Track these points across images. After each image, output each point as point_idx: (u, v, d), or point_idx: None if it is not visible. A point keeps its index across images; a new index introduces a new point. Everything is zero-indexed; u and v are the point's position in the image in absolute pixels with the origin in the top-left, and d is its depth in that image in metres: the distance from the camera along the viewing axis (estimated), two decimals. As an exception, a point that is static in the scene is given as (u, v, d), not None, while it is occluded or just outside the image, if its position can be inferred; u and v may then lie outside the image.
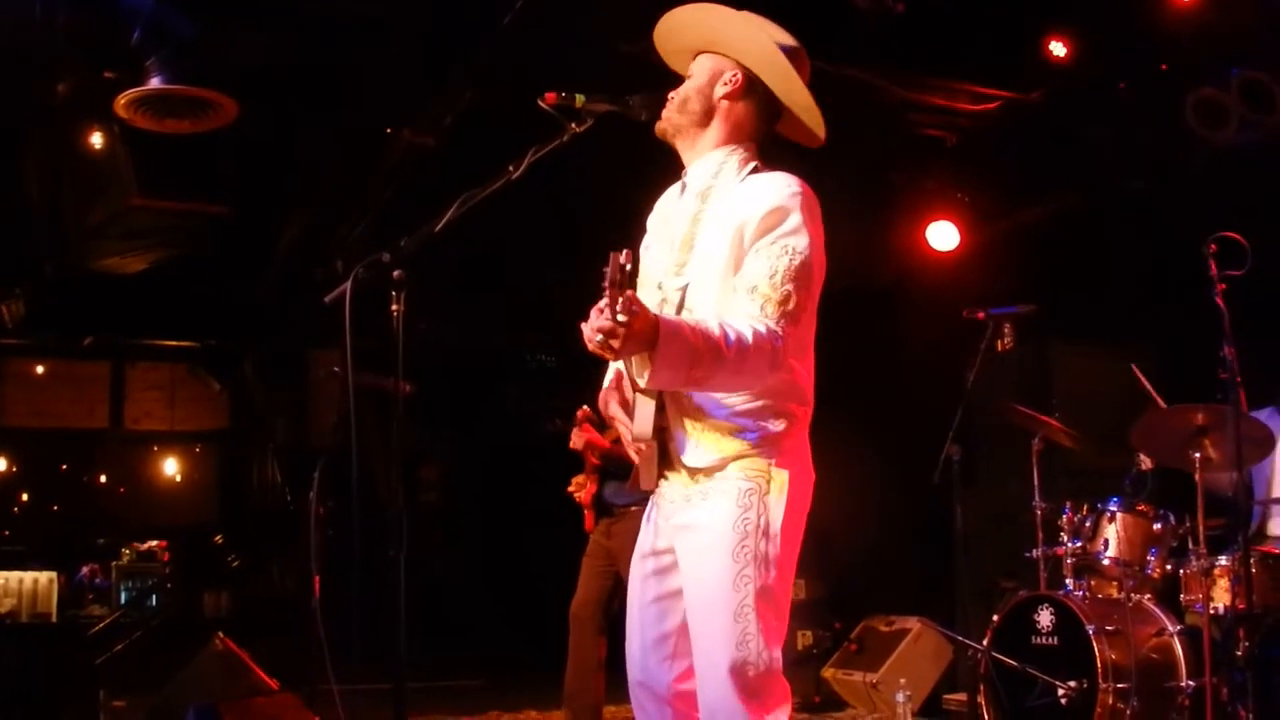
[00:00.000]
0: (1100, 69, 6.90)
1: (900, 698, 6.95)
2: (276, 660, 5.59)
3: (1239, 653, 5.15)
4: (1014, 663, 5.73)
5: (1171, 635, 5.53)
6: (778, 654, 2.95)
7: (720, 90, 3.16)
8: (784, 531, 2.97)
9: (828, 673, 7.98)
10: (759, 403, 2.97)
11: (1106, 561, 5.76)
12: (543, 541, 9.40)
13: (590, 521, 6.00)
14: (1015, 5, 6.57)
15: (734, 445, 2.97)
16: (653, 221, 3.34)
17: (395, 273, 3.03)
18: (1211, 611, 5.26)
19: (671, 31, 3.27)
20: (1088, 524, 5.87)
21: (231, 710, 4.65)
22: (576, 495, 6.04)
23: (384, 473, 3.02)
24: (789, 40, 3.16)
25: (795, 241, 2.95)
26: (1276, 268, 5.22)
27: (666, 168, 3.29)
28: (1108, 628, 5.45)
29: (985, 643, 5.91)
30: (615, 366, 3.20)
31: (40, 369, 13.14)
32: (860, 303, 8.29)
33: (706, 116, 3.16)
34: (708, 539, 2.97)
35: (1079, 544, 5.86)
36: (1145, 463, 5.93)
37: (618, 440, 3.39)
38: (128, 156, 7.65)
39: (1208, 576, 5.32)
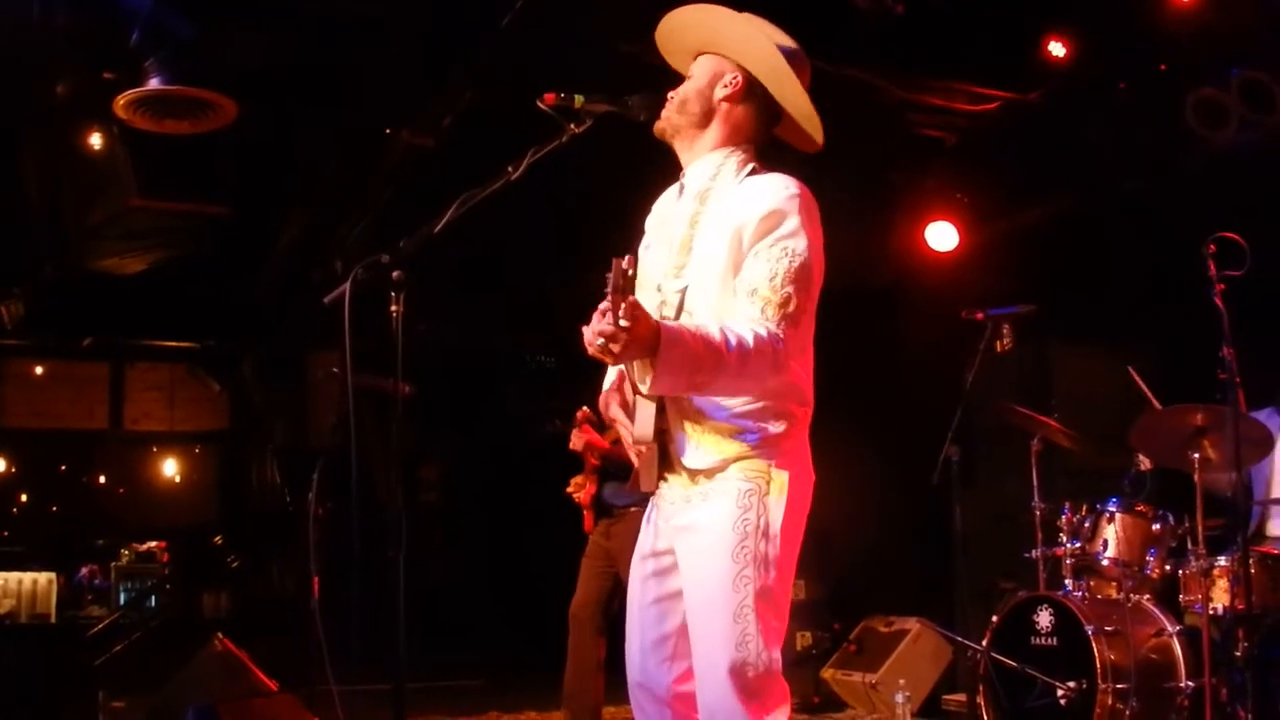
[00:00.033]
0: (1100, 69, 6.90)
1: (899, 698, 6.95)
2: (276, 661, 5.59)
3: (1238, 653, 5.15)
4: (1013, 663, 5.73)
5: (1170, 636, 5.53)
6: (777, 655, 2.95)
7: (720, 92, 3.16)
8: (784, 532, 2.97)
9: (827, 673, 7.98)
10: (759, 404, 2.98)
11: (1106, 562, 5.76)
12: (542, 542, 9.40)
13: (589, 522, 6.00)
14: (1015, 6, 6.58)
15: (734, 447, 2.98)
16: (651, 223, 3.34)
17: (394, 274, 3.03)
18: (1210, 612, 5.26)
19: (673, 31, 3.27)
20: (1087, 524, 5.87)
21: (231, 711, 4.65)
22: (576, 496, 6.04)
23: (383, 473, 3.02)
24: (790, 43, 3.16)
25: (794, 243, 2.96)
26: (1275, 268, 5.22)
27: (665, 168, 3.29)
28: (1107, 628, 5.45)
29: (984, 643, 5.91)
30: (616, 369, 3.20)
31: (39, 369, 13.14)
32: (859, 303, 8.29)
33: (706, 118, 3.16)
34: (707, 540, 2.97)
35: (1078, 544, 5.86)
36: (1144, 463, 5.94)
37: (617, 441, 3.40)
38: (127, 157, 7.65)
39: (1207, 577, 5.31)
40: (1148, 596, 5.72)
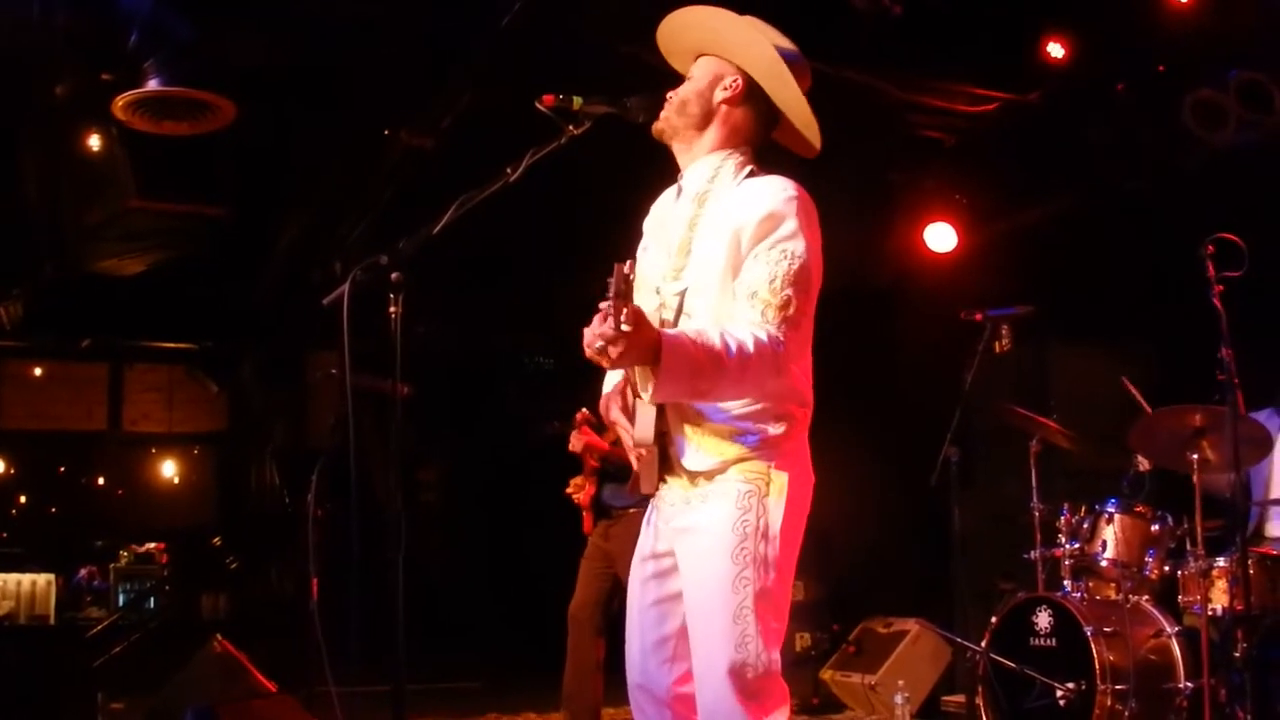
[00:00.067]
0: (1098, 70, 6.90)
1: (899, 699, 6.95)
2: (275, 662, 5.59)
3: (1237, 654, 5.15)
4: (1012, 664, 5.73)
5: (1169, 636, 5.53)
6: (777, 656, 2.95)
7: (720, 95, 3.16)
8: (783, 534, 2.97)
9: (826, 674, 7.98)
10: (758, 406, 2.98)
11: (1104, 563, 5.76)
12: (541, 543, 9.40)
13: (589, 524, 6.00)
14: (1013, 7, 6.58)
15: (734, 449, 2.98)
16: (649, 225, 3.34)
17: (393, 275, 3.03)
18: (1209, 613, 5.26)
19: (674, 32, 3.27)
20: (1086, 525, 5.88)
21: (230, 712, 4.65)
22: (575, 497, 6.04)
23: (382, 475, 3.02)
24: (790, 47, 3.16)
25: (793, 246, 2.96)
26: (1274, 269, 5.22)
27: (664, 169, 3.29)
28: (1106, 629, 5.45)
29: (983, 644, 5.91)
30: (618, 372, 3.20)
31: (38, 371, 13.14)
32: (858, 304, 8.28)
33: (705, 120, 3.16)
34: (707, 541, 2.97)
35: (1077, 545, 5.86)
36: (1143, 464, 5.94)
37: (616, 442, 3.40)
38: (126, 158, 7.65)
39: (1205, 578, 5.32)
40: (1146, 597, 5.72)
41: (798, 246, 2.96)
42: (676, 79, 3.24)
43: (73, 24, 6.07)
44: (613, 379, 3.24)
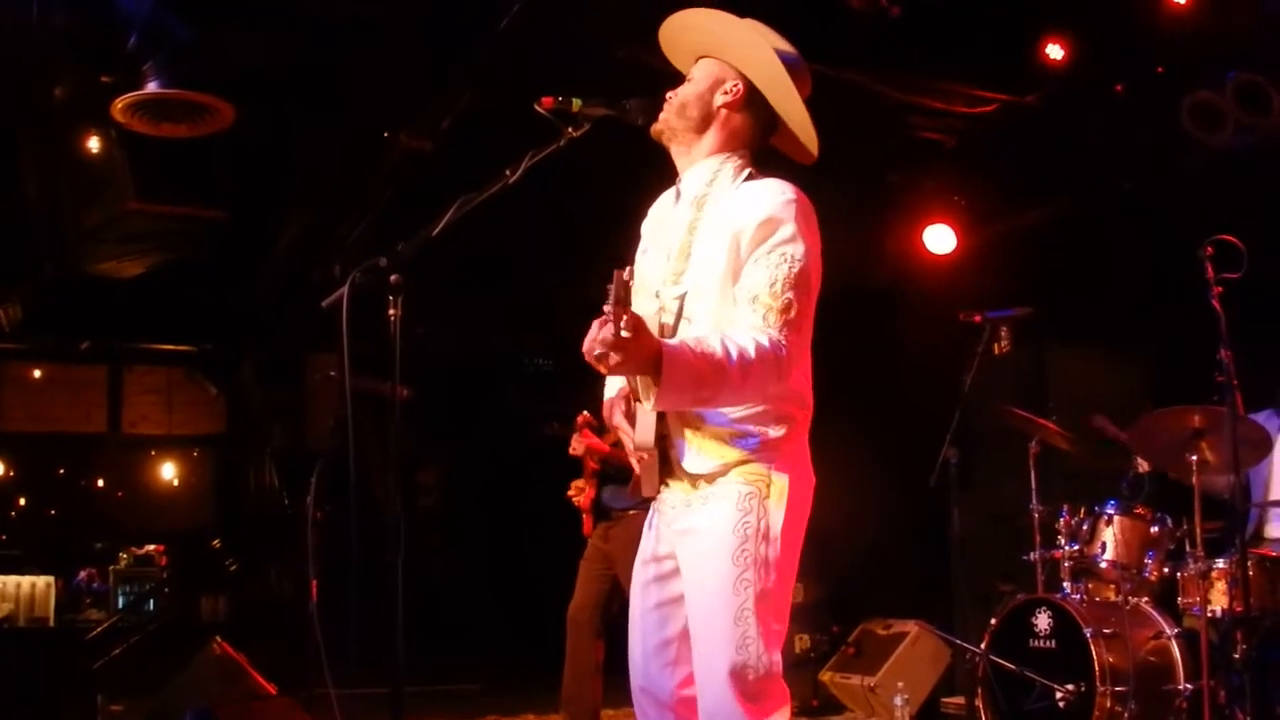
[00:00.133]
0: (1097, 71, 6.91)
1: (898, 701, 6.95)
2: (274, 664, 5.59)
3: (1236, 655, 5.16)
4: (1012, 666, 5.73)
5: (1169, 638, 5.53)
6: (777, 657, 2.95)
7: (720, 99, 3.16)
8: (784, 536, 2.97)
9: (825, 676, 7.97)
10: (759, 409, 2.98)
11: (1104, 564, 5.76)
12: (541, 545, 9.40)
13: (588, 525, 6.00)
14: (1012, 8, 6.58)
15: (734, 452, 2.98)
16: (647, 228, 3.34)
17: (392, 277, 3.03)
18: (1209, 614, 5.26)
19: (675, 33, 3.27)
20: (1085, 527, 5.88)
21: (229, 714, 4.65)
22: (575, 499, 6.04)
23: (381, 477, 3.02)
24: (790, 50, 3.16)
25: (793, 249, 2.96)
26: (1273, 270, 5.23)
27: (663, 171, 3.29)
28: (1105, 631, 5.45)
29: (983, 646, 5.91)
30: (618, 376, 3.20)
31: (37, 373, 13.13)
32: (858, 305, 8.29)
33: (704, 123, 3.16)
34: (708, 543, 2.97)
35: (1076, 547, 5.87)
36: (1142, 465, 5.94)
37: (617, 444, 3.40)
38: (125, 160, 7.65)
39: (1205, 579, 5.32)
40: (1146, 599, 5.72)
41: (797, 250, 2.97)
42: (675, 82, 3.24)
43: (72, 25, 6.07)
44: (615, 383, 3.24)
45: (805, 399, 3.09)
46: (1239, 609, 5.19)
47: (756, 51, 3.13)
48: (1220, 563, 5.42)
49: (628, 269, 2.67)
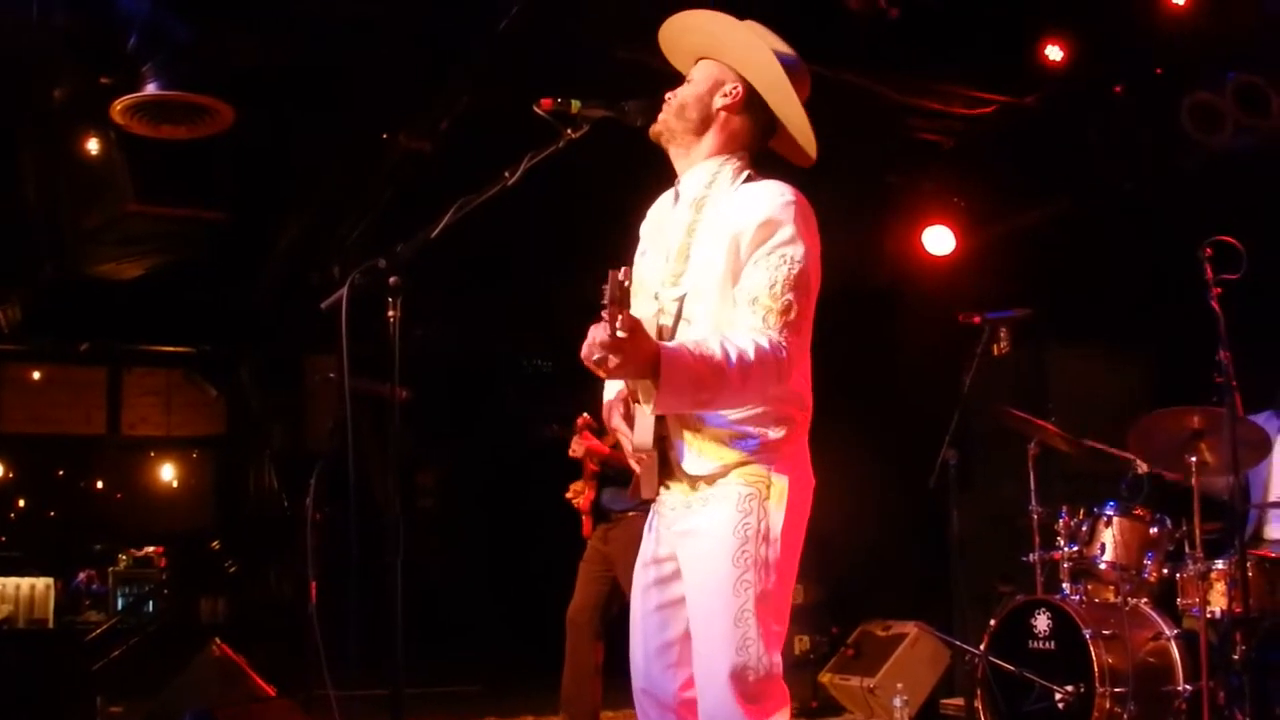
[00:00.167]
0: (1096, 72, 6.91)
1: (897, 702, 6.95)
2: (273, 666, 5.59)
3: (1236, 656, 5.16)
4: (1011, 667, 5.73)
5: (1168, 639, 5.53)
6: (778, 659, 2.95)
7: (719, 101, 3.16)
8: (784, 537, 2.97)
9: (825, 678, 7.97)
10: (758, 410, 2.98)
11: (1103, 565, 5.76)
12: (540, 546, 9.40)
13: (588, 527, 6.01)
14: (1011, 9, 6.58)
15: (734, 453, 2.98)
16: (646, 229, 3.34)
17: (391, 279, 3.03)
18: (1208, 615, 5.26)
19: (675, 34, 3.27)
20: (1084, 528, 5.87)
21: (228, 716, 4.65)
22: (575, 501, 6.04)
23: (381, 478, 3.02)
24: (790, 52, 3.16)
25: (792, 251, 2.96)
26: (1272, 271, 5.23)
27: (662, 172, 3.29)
28: (1104, 632, 5.45)
29: (982, 647, 5.91)
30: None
31: (37, 374, 13.13)
32: (857, 306, 8.29)
33: (704, 125, 3.15)
34: (708, 544, 2.97)
35: (1075, 548, 5.86)
36: (1141, 466, 5.94)
37: (617, 445, 3.40)
38: (124, 162, 7.66)
39: (1204, 580, 5.32)
40: (1145, 600, 5.71)
41: (797, 251, 2.97)
42: (674, 83, 3.24)
43: (72, 25, 6.07)
44: (614, 385, 3.24)
45: (805, 400, 3.09)
46: (1238, 610, 5.19)
47: (756, 54, 3.13)
48: (1219, 564, 5.42)
49: (623, 270, 2.66)
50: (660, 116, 3.18)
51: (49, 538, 13.10)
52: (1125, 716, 5.32)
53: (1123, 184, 7.16)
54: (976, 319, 6.67)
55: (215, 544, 12.63)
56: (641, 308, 3.07)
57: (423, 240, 3.10)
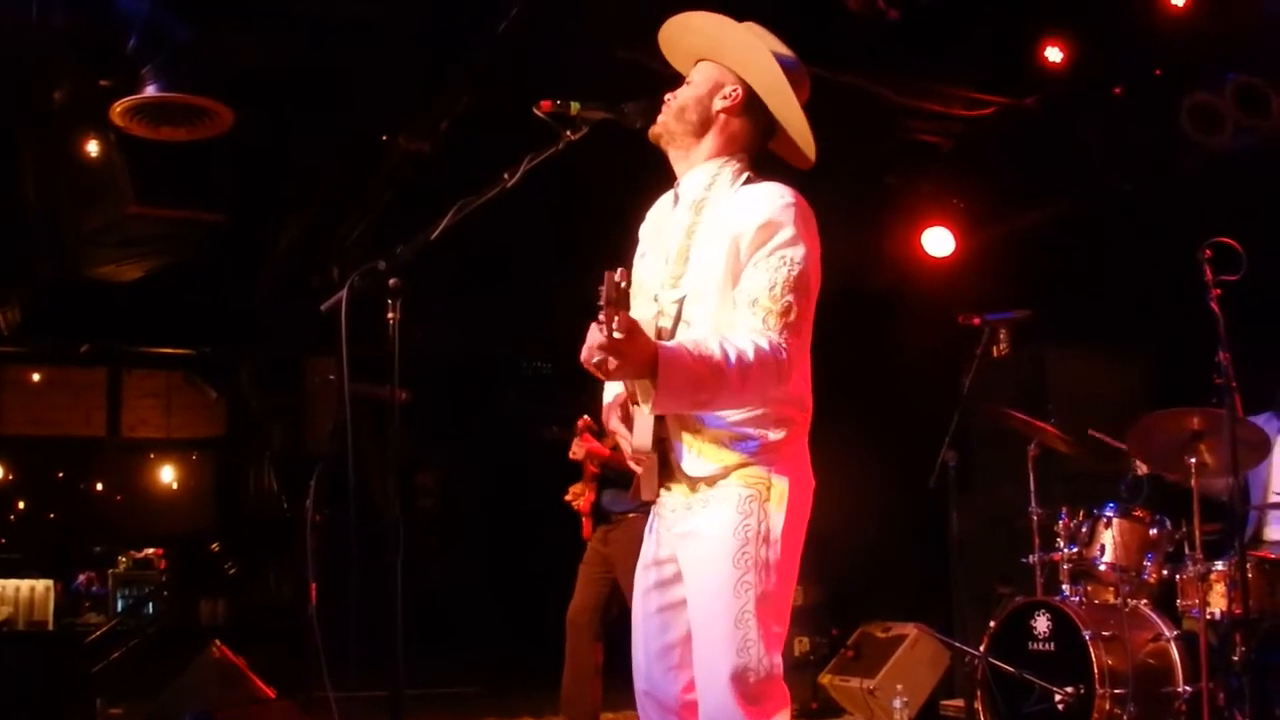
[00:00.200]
0: (1095, 73, 6.91)
1: (897, 704, 6.96)
2: (273, 668, 5.59)
3: (1235, 658, 5.15)
4: (1011, 668, 5.73)
5: (1168, 640, 5.53)
6: (778, 660, 2.95)
7: (719, 104, 3.15)
8: (784, 538, 2.97)
9: (825, 679, 7.97)
10: (758, 412, 2.98)
11: (1103, 567, 5.76)
12: (540, 547, 9.40)
13: (588, 529, 6.00)
14: (1010, 10, 6.58)
15: (734, 455, 2.98)
16: (645, 231, 3.33)
17: (391, 281, 3.03)
18: (1208, 617, 5.26)
19: (675, 35, 3.27)
20: (1084, 529, 5.87)
21: (228, 718, 4.65)
22: (575, 503, 6.04)
23: (380, 480, 3.02)
24: (789, 54, 3.16)
25: (792, 252, 2.96)
26: (1272, 273, 5.23)
27: (661, 174, 3.28)
28: (1104, 633, 5.45)
29: (982, 648, 5.91)
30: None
31: (36, 376, 13.14)
32: (856, 308, 8.29)
33: (703, 127, 3.15)
34: (708, 545, 2.97)
35: (1075, 549, 5.86)
36: (1141, 468, 5.94)
37: (617, 447, 3.40)
38: (124, 164, 7.66)
39: (1204, 582, 5.32)
40: (1145, 601, 5.71)
41: (797, 253, 2.96)
42: (673, 84, 3.24)
43: (71, 26, 6.07)
44: (614, 387, 3.24)
45: (805, 402, 3.08)
46: (1238, 611, 5.18)
47: (756, 55, 3.13)
48: (1219, 565, 5.42)
49: (619, 271, 2.66)
50: (660, 118, 3.18)
51: (49, 539, 13.11)
52: (1125, 718, 5.31)
53: (1122, 185, 7.17)
54: (976, 320, 6.67)
55: (215, 546, 12.63)
56: (641, 310, 3.07)
57: (422, 242, 3.10)
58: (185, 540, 12.82)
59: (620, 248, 3.37)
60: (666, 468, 3.07)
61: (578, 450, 5.85)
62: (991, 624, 5.95)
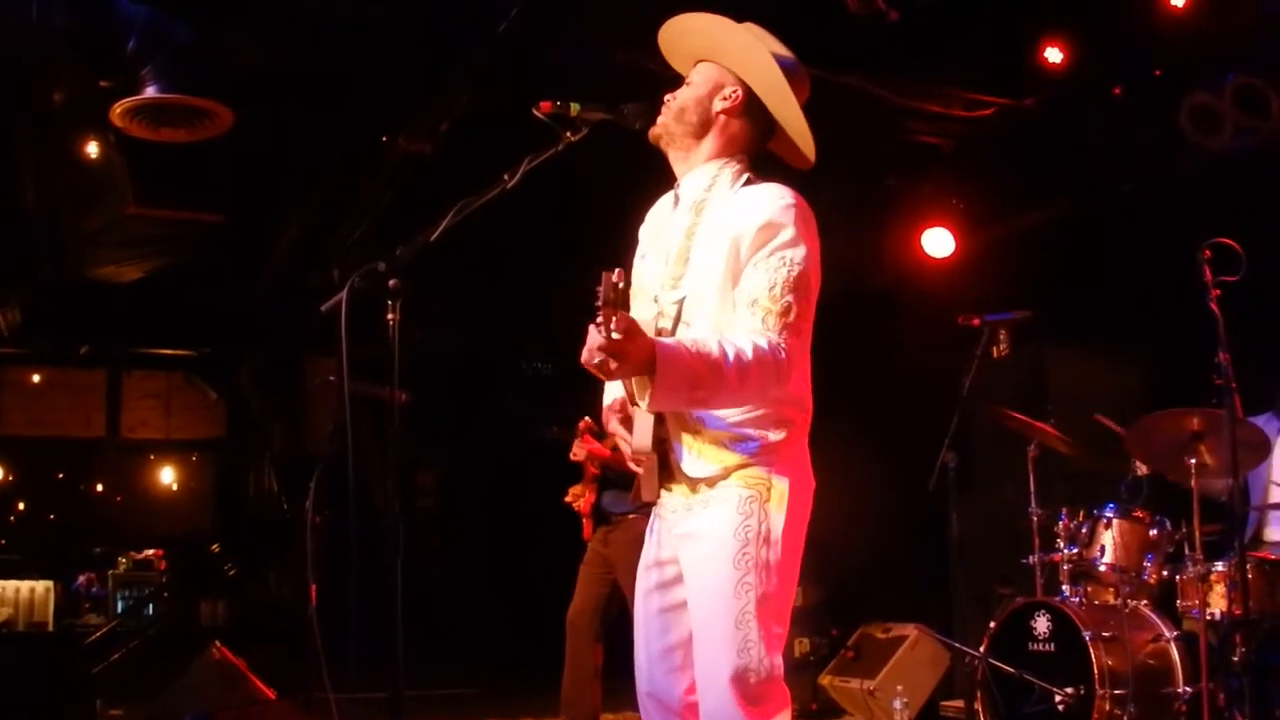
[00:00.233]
0: (1095, 74, 6.91)
1: (897, 705, 6.95)
2: (273, 669, 5.60)
3: (1235, 658, 5.15)
4: (1011, 669, 5.72)
5: (1168, 641, 5.53)
6: (779, 660, 2.95)
7: (719, 105, 3.15)
8: (785, 539, 2.97)
9: (825, 680, 7.97)
10: (758, 412, 2.98)
11: (1103, 567, 5.76)
12: (540, 548, 9.39)
13: (588, 530, 6.00)
14: (1011, 11, 6.59)
15: (734, 456, 2.98)
16: (645, 232, 3.33)
17: (391, 282, 3.03)
18: (1208, 617, 5.25)
19: (675, 36, 3.27)
20: (1084, 530, 5.87)
21: (228, 719, 4.65)
22: (575, 505, 6.04)
23: (380, 480, 3.02)
24: (788, 55, 3.16)
25: (792, 253, 2.96)
26: (1272, 273, 5.23)
27: (661, 175, 3.28)
28: (1104, 634, 5.45)
29: (982, 649, 5.91)
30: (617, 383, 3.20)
31: (36, 377, 13.13)
32: (856, 309, 8.29)
33: (703, 128, 3.15)
34: (709, 546, 2.97)
35: (1075, 550, 5.86)
36: (1141, 468, 5.94)
37: (617, 448, 3.40)
38: (124, 165, 7.66)
39: (1204, 582, 5.32)
40: (1145, 602, 5.71)
41: (797, 253, 2.96)
42: (673, 85, 3.24)
43: (71, 26, 6.07)
44: (614, 388, 3.24)
45: (805, 402, 3.08)
46: (1238, 612, 5.18)
47: (755, 56, 3.13)
48: (1219, 566, 5.42)
49: (616, 271, 2.66)
50: (659, 119, 3.18)
51: (49, 540, 13.10)
52: (1125, 718, 5.31)
53: (1122, 185, 7.17)
54: (976, 321, 6.67)
55: (215, 547, 12.63)
56: (641, 311, 3.07)
57: (422, 243, 3.09)
58: (185, 541, 12.82)
59: (620, 248, 3.37)
60: (667, 469, 3.06)
61: (578, 451, 5.85)
62: (991, 625, 5.95)
